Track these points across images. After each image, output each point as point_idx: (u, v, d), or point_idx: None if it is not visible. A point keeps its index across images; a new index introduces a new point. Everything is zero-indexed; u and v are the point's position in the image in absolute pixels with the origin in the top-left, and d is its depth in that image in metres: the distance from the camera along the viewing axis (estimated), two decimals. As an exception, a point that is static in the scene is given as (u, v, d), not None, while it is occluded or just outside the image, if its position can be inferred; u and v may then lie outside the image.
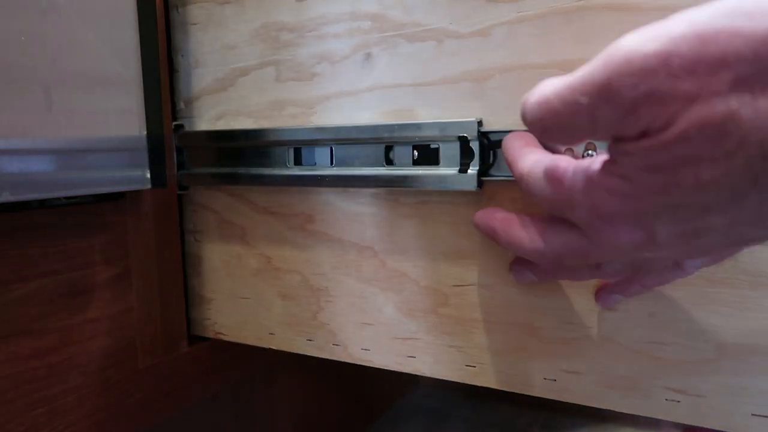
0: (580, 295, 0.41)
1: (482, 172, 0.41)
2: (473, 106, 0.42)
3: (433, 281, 0.46)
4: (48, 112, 0.42)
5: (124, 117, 0.48)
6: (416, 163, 0.44)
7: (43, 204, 0.45)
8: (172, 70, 0.56)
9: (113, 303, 0.51)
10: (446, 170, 0.42)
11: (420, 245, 0.47)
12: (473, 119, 0.41)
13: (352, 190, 0.49)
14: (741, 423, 0.37)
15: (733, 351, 0.37)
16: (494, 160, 0.41)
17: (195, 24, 0.55)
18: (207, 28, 0.54)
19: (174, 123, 0.56)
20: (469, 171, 0.41)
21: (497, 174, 0.41)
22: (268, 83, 0.51)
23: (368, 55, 0.46)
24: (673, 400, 0.39)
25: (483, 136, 0.41)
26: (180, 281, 0.57)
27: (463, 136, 0.41)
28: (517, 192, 0.41)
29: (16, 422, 0.43)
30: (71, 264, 0.47)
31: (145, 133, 0.49)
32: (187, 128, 0.56)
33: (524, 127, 0.31)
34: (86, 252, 0.48)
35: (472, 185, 0.41)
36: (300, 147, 0.49)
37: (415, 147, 0.44)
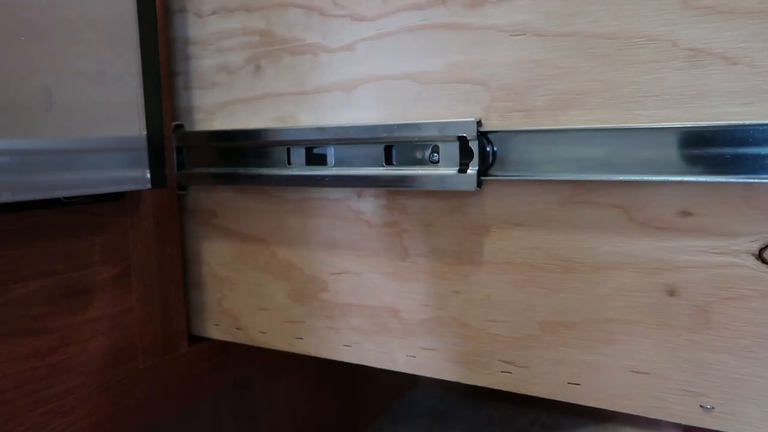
0: (433, 280, 0.46)
1: (482, 171, 0.41)
2: (343, 113, 0.47)
3: (314, 270, 0.51)
4: (48, 112, 0.42)
5: (123, 117, 0.48)
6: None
7: (42, 204, 0.45)
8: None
9: (113, 303, 0.51)
10: (446, 170, 0.42)
11: (302, 237, 0.51)
12: (472, 119, 0.41)
13: (245, 187, 0.54)
14: (558, 391, 0.42)
15: (549, 327, 0.42)
16: (494, 160, 0.41)
17: None
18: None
19: (174, 123, 0.56)
20: (468, 171, 0.41)
21: (497, 174, 0.41)
22: (179, 91, 0.57)
23: (258, 67, 0.51)
24: (506, 372, 0.44)
25: (483, 136, 0.41)
26: (180, 281, 0.57)
27: (463, 136, 0.41)
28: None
29: (16, 422, 0.44)
30: (71, 264, 0.47)
31: (145, 133, 0.50)
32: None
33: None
34: (86, 252, 0.48)
35: (471, 185, 0.41)
36: (299, 147, 0.49)
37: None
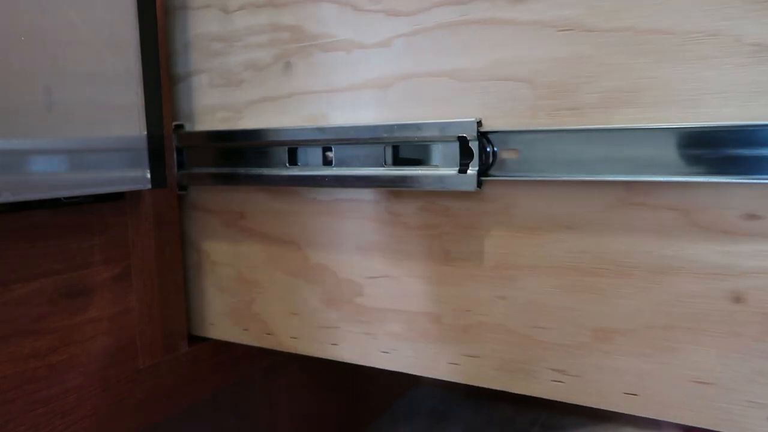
0: (476, 285, 0.44)
1: (482, 172, 0.41)
2: (379, 112, 0.46)
3: (349, 273, 0.50)
4: (48, 112, 0.42)
5: (124, 117, 0.48)
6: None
7: (43, 204, 0.45)
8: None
9: (113, 303, 0.51)
10: (446, 170, 0.42)
11: (336, 240, 0.50)
12: (473, 119, 0.41)
13: (274, 188, 0.53)
14: (613, 401, 0.40)
15: (603, 335, 0.40)
16: (494, 160, 0.41)
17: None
18: (172, 30, 0.56)
19: (174, 123, 0.56)
20: (468, 171, 0.41)
21: (497, 174, 0.41)
22: (202, 89, 0.55)
23: (288, 64, 0.50)
24: (557, 381, 0.42)
25: (482, 136, 0.41)
26: (180, 281, 0.57)
27: (463, 137, 0.41)
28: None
29: (17, 422, 0.44)
30: (71, 264, 0.47)
31: (145, 133, 0.50)
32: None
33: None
34: (86, 252, 0.48)
35: (471, 186, 0.41)
36: (299, 147, 0.49)
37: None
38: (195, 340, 0.60)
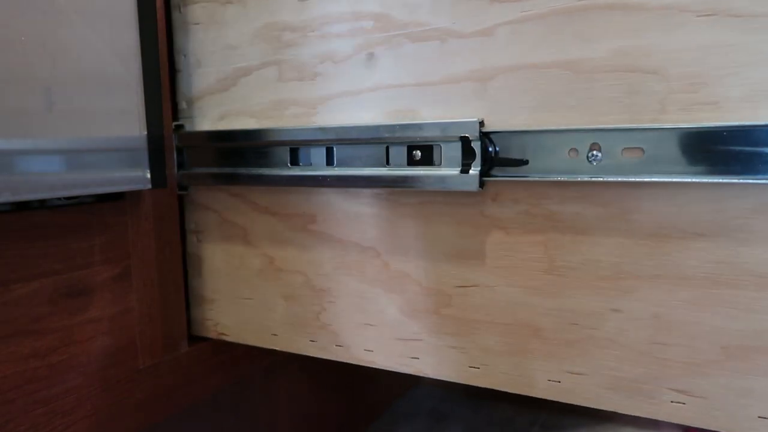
0: (584, 296, 0.41)
1: (484, 172, 0.41)
2: (476, 106, 0.42)
3: (435, 282, 0.46)
4: (48, 112, 0.42)
5: (124, 117, 0.48)
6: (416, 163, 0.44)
7: (43, 204, 0.45)
8: (174, 70, 0.56)
9: (113, 303, 0.50)
10: (448, 171, 0.42)
11: (422, 246, 0.47)
12: (475, 119, 0.41)
13: (353, 190, 0.49)
14: (746, 425, 0.37)
15: (738, 352, 0.36)
16: (495, 161, 0.41)
17: (197, 24, 0.55)
18: (209, 28, 0.54)
19: (174, 123, 0.55)
20: (470, 171, 0.41)
21: (499, 174, 0.41)
22: (270, 83, 0.51)
23: (371, 55, 0.46)
24: (678, 402, 0.39)
25: (485, 136, 0.41)
26: (180, 281, 0.57)
27: (465, 137, 0.41)
28: (520, 192, 0.41)
29: (17, 422, 0.43)
30: (71, 264, 0.47)
31: (145, 133, 0.49)
32: (188, 128, 0.56)
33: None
34: (86, 252, 0.48)
35: (473, 186, 0.41)
36: (301, 147, 0.49)
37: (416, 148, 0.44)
38: (195, 340, 0.59)
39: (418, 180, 0.43)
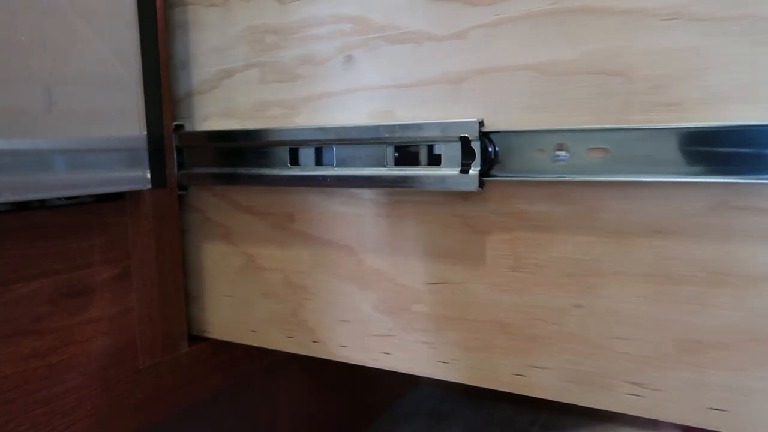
0: (548, 293, 0.42)
1: (484, 172, 0.41)
2: (450, 109, 0.43)
3: (407, 279, 0.47)
4: (48, 112, 0.42)
5: (124, 117, 0.48)
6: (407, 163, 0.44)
7: (43, 204, 0.45)
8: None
9: (113, 303, 0.50)
10: (448, 171, 0.42)
11: (395, 244, 0.48)
12: (474, 119, 0.41)
13: (329, 189, 0.50)
14: (698, 417, 0.38)
15: (691, 346, 0.38)
16: (495, 160, 0.41)
17: (181, 27, 0.55)
18: (192, 30, 0.55)
19: (174, 123, 0.55)
20: (470, 171, 0.41)
21: (499, 174, 0.41)
22: (252, 85, 0.52)
23: (349, 57, 0.46)
24: (634, 395, 0.40)
25: (484, 136, 0.41)
26: (180, 281, 0.57)
27: (465, 137, 0.41)
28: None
29: (17, 422, 0.43)
30: (71, 264, 0.47)
31: (145, 133, 0.49)
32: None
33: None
34: (86, 252, 0.48)
35: (473, 186, 0.41)
36: (301, 147, 0.49)
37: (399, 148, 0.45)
38: (195, 340, 0.59)
39: (418, 180, 0.43)
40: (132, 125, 0.48)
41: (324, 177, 0.47)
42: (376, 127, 0.44)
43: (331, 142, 0.47)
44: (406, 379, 1.13)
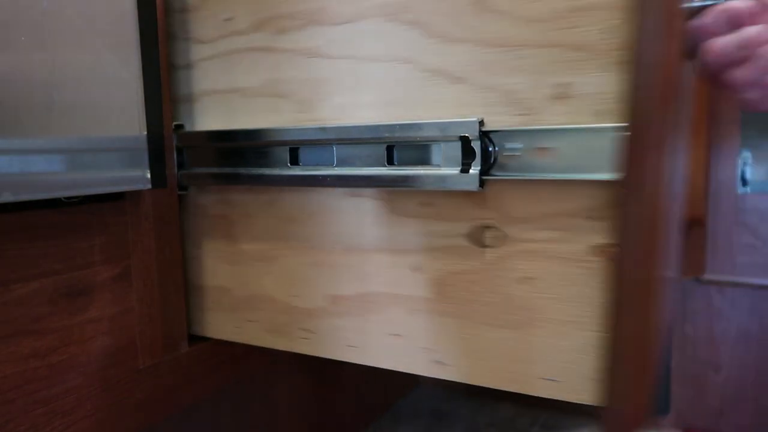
0: (253, 263, 0.55)
1: (484, 171, 0.41)
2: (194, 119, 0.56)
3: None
4: (48, 112, 0.42)
5: (124, 117, 0.48)
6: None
7: (43, 204, 0.45)
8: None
9: (113, 303, 0.50)
10: (448, 170, 0.42)
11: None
12: (474, 119, 0.41)
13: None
14: (341, 353, 0.52)
15: (336, 301, 0.51)
16: (495, 160, 0.41)
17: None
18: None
19: (174, 123, 0.55)
20: (470, 171, 0.41)
21: (499, 174, 0.41)
22: None
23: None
24: (303, 338, 0.54)
25: (485, 135, 0.41)
26: (180, 281, 0.57)
27: (465, 136, 0.41)
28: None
29: (17, 422, 0.43)
30: (71, 264, 0.47)
31: (145, 132, 0.49)
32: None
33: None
34: (86, 252, 0.48)
35: (473, 185, 0.41)
36: (301, 147, 0.49)
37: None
38: (195, 340, 0.59)
39: (418, 180, 0.43)
40: (132, 125, 0.48)
41: (324, 177, 0.47)
42: (376, 127, 0.45)
43: (331, 142, 0.47)
44: (406, 379, 1.13)
